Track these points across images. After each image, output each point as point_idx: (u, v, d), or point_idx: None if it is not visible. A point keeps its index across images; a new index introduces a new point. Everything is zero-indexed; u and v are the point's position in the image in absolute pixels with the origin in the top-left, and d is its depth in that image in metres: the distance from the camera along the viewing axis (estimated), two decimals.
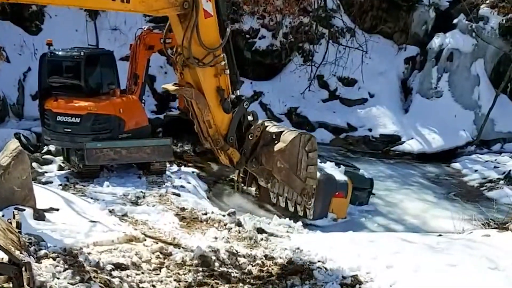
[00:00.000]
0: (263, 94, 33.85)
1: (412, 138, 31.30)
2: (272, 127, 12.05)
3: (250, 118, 11.80)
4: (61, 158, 22.94)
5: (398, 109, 33.48)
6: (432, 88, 33.09)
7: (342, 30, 36.11)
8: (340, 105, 34.00)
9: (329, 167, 20.62)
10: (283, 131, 11.96)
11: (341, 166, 21.31)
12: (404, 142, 31.37)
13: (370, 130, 32.52)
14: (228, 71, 11.09)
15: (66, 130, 21.45)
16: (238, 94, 11.58)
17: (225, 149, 11.53)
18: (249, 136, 11.59)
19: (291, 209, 12.54)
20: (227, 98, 11.16)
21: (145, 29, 22.84)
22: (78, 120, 21.37)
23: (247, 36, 34.81)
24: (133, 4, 9.55)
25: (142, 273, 11.08)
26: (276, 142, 11.72)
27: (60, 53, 22.17)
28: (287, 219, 17.24)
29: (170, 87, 11.40)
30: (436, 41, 34.07)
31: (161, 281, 10.84)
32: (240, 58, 34.27)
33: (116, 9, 10.46)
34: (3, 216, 10.53)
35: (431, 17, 35.91)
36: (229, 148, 11.51)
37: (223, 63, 10.89)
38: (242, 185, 19.34)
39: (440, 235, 15.75)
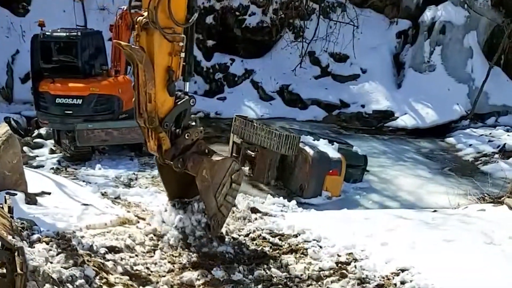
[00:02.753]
0: (254, 72, 33.84)
1: (405, 114, 31.38)
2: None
3: (192, 122, 11.58)
4: (52, 141, 22.89)
5: (391, 84, 33.49)
6: (425, 62, 33.12)
7: (333, 5, 36.04)
8: (332, 82, 34.01)
9: (322, 145, 20.61)
10: (216, 152, 11.82)
11: (334, 143, 21.31)
12: (398, 117, 31.44)
13: (363, 106, 32.54)
14: (183, 55, 10.88)
15: (66, 112, 21.35)
16: (187, 88, 11.55)
17: (158, 131, 11.20)
18: (185, 135, 11.37)
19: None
20: (174, 82, 10.95)
21: (124, 9, 22.59)
22: (80, 101, 21.32)
23: (237, 13, 34.76)
24: None
25: (136, 255, 11.08)
26: (209, 155, 11.58)
27: (54, 34, 22.04)
28: (281, 198, 17.33)
29: (123, 44, 11.25)
30: (428, 14, 34.07)
31: (155, 263, 10.84)
32: (231, 36, 34.44)
33: None
34: None
35: None
36: (162, 132, 11.20)
37: (181, 44, 10.69)
38: None
39: (435, 210, 15.80)
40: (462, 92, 32.09)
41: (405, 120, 31.07)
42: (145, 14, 10.46)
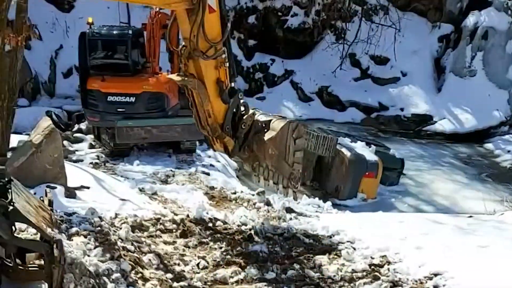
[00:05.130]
0: (294, 73, 33.90)
1: (444, 118, 31.19)
2: (260, 116, 12.79)
3: (242, 108, 12.51)
4: (92, 136, 23.13)
5: (430, 88, 33.28)
6: (466, 67, 32.88)
7: (376, 7, 35.95)
8: (372, 84, 33.96)
9: (360, 147, 20.61)
10: (272, 119, 12.66)
11: (372, 145, 21.31)
12: (436, 122, 31.26)
13: (402, 109, 32.41)
14: (227, 64, 11.77)
15: (119, 110, 21.50)
16: (233, 85, 12.22)
17: (221, 137, 12.31)
18: (242, 126, 12.34)
19: (279, 192, 13.27)
20: (226, 90, 11.89)
21: (156, 9, 22.55)
22: (133, 99, 21.48)
23: (279, 14, 34.84)
24: None
25: (171, 251, 11.26)
26: (266, 130, 12.45)
27: (103, 32, 22.22)
28: (316, 198, 17.36)
29: (175, 77, 12.17)
30: (470, 19, 33.82)
31: (191, 260, 11.01)
32: (272, 36, 34.53)
33: (133, 2, 11.31)
34: (35, 193, 10.68)
35: None
36: (226, 136, 12.27)
37: (223, 56, 11.58)
38: None
39: (470, 216, 15.71)
40: (502, 98, 31.84)
41: (443, 125, 30.89)
42: (186, 45, 11.35)
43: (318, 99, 33.13)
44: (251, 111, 12.67)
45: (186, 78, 11.68)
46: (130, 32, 22.09)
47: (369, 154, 20.28)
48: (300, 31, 34.91)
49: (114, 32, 22.29)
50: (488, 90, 31.95)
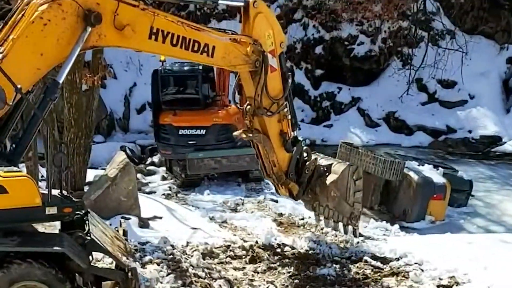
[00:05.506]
0: (361, 100, 33.97)
1: None
2: (322, 160, 13.51)
3: (305, 155, 13.09)
4: (164, 168, 23.66)
5: (499, 110, 32.92)
6: None
7: (442, 32, 35.78)
8: (439, 108, 33.73)
9: (427, 170, 20.54)
10: (333, 163, 13.35)
11: (439, 168, 21.19)
12: (505, 142, 30.81)
13: (470, 131, 32.07)
14: (289, 116, 12.44)
15: (190, 142, 22.06)
16: (295, 134, 12.83)
17: (286, 184, 12.92)
18: (305, 171, 12.94)
19: (340, 230, 13.64)
20: (288, 140, 12.52)
21: None
22: (203, 132, 22.05)
23: (346, 43, 35.00)
24: (216, 60, 10.81)
25: (241, 277, 11.54)
26: (327, 174, 13.08)
27: (175, 68, 22.87)
28: (384, 222, 17.42)
29: (242, 134, 12.78)
30: None
31: (260, 285, 11.26)
32: (339, 65, 34.75)
33: (202, 62, 11.93)
34: (110, 224, 11.13)
35: None
36: (290, 182, 12.87)
37: (285, 109, 12.27)
38: None
39: None
40: None
41: None
42: (251, 103, 12.01)
43: (385, 125, 33.12)
44: (313, 157, 13.24)
45: (251, 134, 12.36)
46: (200, 67, 22.62)
47: (437, 176, 20.18)
48: (367, 59, 35.04)
49: (185, 68, 22.87)
50: None
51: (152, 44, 9.73)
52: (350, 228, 13.33)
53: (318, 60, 34.87)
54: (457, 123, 32.54)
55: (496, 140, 31.18)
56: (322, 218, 13.61)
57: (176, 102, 22.77)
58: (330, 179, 12.96)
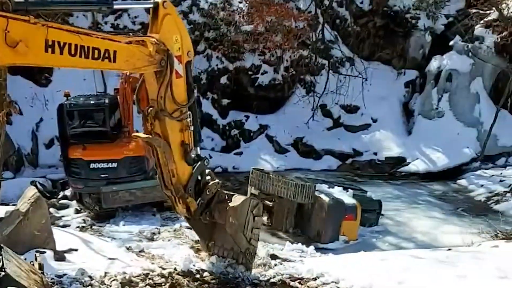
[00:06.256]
0: (268, 127, 34.01)
1: (417, 159, 31.25)
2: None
3: (208, 177, 12.87)
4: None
5: (401, 132, 33.54)
6: (434, 109, 33.14)
7: (342, 60, 36.33)
8: (344, 132, 34.13)
9: (337, 192, 20.80)
10: (235, 195, 13.21)
11: (349, 190, 21.48)
12: (410, 163, 31.29)
13: (375, 153, 32.54)
14: (192, 128, 12.08)
15: (102, 176, 21.65)
16: (199, 152, 12.66)
17: (184, 197, 12.50)
18: (207, 191, 12.67)
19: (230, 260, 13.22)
20: (190, 152, 12.21)
21: (127, 73, 22.57)
22: (115, 165, 21.67)
23: (250, 72, 35.08)
24: (119, 64, 10.55)
25: None
26: (228, 202, 12.83)
27: (80, 102, 22.47)
28: (299, 244, 17.45)
29: (142, 135, 12.46)
30: (434, 64, 34.20)
31: None
32: (244, 94, 34.82)
33: (106, 68, 11.59)
34: (25, 259, 10.73)
35: (427, 41, 36.12)
36: (188, 197, 12.47)
37: (188, 119, 11.96)
38: None
39: (449, 249, 15.86)
40: (472, 135, 32.01)
41: (417, 165, 31.01)
42: (153, 105, 11.65)
43: (294, 150, 33.18)
44: (216, 181, 13.04)
45: (152, 137, 11.91)
46: (107, 100, 22.33)
47: (347, 198, 20.43)
48: (271, 87, 35.15)
49: (91, 101, 22.59)
50: (457, 129, 32.12)
51: (49, 57, 9.46)
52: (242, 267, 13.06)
53: (224, 90, 34.82)
54: (362, 146, 32.97)
55: (400, 161, 31.68)
56: (217, 257, 13.29)
57: (84, 135, 22.43)
58: (230, 204, 12.75)
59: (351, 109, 34.82)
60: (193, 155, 12.40)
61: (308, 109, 34.54)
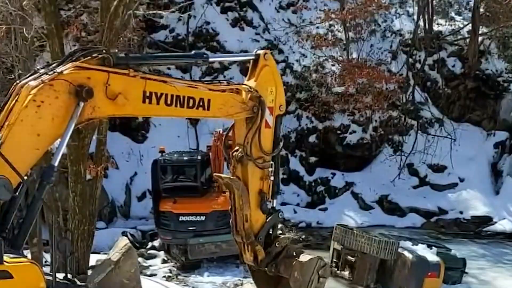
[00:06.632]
0: (354, 184, 33.99)
1: (504, 219, 30.74)
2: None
3: (279, 231, 12.58)
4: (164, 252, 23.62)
5: (489, 191, 33.02)
6: None
7: (431, 120, 36.21)
8: (430, 191, 33.81)
9: (421, 249, 20.48)
10: (304, 252, 12.73)
11: (433, 247, 21.14)
12: (496, 222, 30.81)
13: (461, 212, 32.11)
14: (272, 178, 11.88)
15: (190, 228, 22.12)
16: (275, 204, 12.33)
17: (254, 245, 12.18)
18: (276, 244, 12.28)
19: None
20: (266, 201, 11.94)
21: (220, 131, 23.13)
22: (203, 218, 22.13)
23: (338, 131, 35.26)
24: (213, 112, 10.55)
25: None
26: (296, 257, 12.38)
27: (174, 158, 23.15)
28: None
29: (223, 175, 12.43)
30: None
31: None
32: (332, 152, 34.95)
33: (200, 116, 11.63)
34: None
35: None
36: (258, 245, 12.16)
37: (270, 169, 11.76)
38: (336, 269, 19.58)
39: None
40: None
41: (503, 225, 30.38)
42: (239, 149, 11.49)
43: (378, 207, 33.06)
44: (288, 235, 13.10)
45: (232, 178, 11.81)
46: (199, 157, 22.87)
47: (431, 255, 20.09)
48: (359, 146, 35.25)
49: (184, 157, 23.21)
50: None
51: (146, 108, 9.65)
52: None
53: (312, 148, 35.15)
54: (448, 205, 32.60)
55: (487, 220, 31.17)
56: None
57: (175, 189, 23.00)
58: (297, 260, 12.31)
59: (438, 169, 34.48)
60: (269, 206, 12.29)
61: (395, 167, 34.44)
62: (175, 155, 23.93)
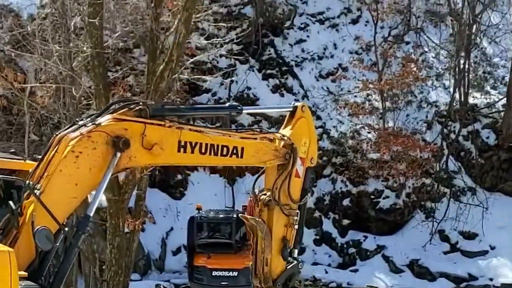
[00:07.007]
0: (385, 248, 33.94)
1: None
2: None
3: (298, 283, 12.23)
4: None
5: None
6: None
7: (463, 189, 36.14)
8: (461, 257, 33.61)
9: None
10: None
11: None
12: None
13: (491, 279, 31.80)
14: (296, 227, 11.76)
15: (222, 283, 22.37)
16: (296, 254, 12.14)
17: None
18: None
19: None
20: (288, 248, 11.79)
21: (256, 192, 23.24)
22: (235, 274, 22.39)
23: (372, 196, 35.37)
24: (246, 159, 10.61)
25: None
26: None
27: (210, 215, 23.51)
28: None
29: (248, 216, 11.96)
30: None
31: None
32: (365, 216, 35.00)
33: (233, 164, 11.53)
34: None
35: None
36: None
37: (295, 218, 11.64)
38: None
39: None
40: None
41: None
42: (268, 193, 11.43)
43: (409, 271, 32.81)
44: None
45: (258, 220, 11.67)
46: (234, 215, 23.24)
47: None
48: (391, 211, 35.23)
49: (220, 215, 23.66)
50: None
51: (181, 157, 9.68)
52: None
53: (346, 211, 35.28)
54: (478, 272, 32.33)
55: None
56: None
57: (210, 246, 23.33)
58: None
59: (470, 236, 34.30)
60: (292, 255, 11.94)
61: (426, 233, 34.29)
62: (212, 212, 24.30)
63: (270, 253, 11.66)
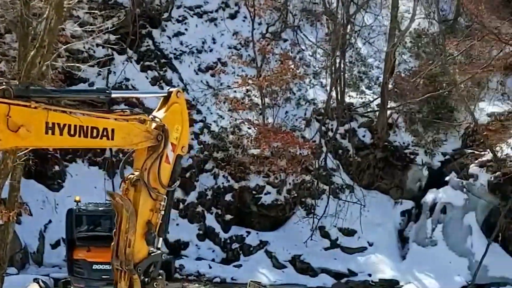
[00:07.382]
0: (268, 243, 33.97)
1: (410, 283, 31.18)
2: None
3: (159, 277, 11.84)
4: None
5: (396, 256, 33.51)
6: (427, 238, 33.22)
7: (342, 186, 36.66)
8: (341, 253, 34.09)
9: None
10: None
11: None
12: (402, 286, 31.24)
13: (369, 275, 32.38)
14: (162, 213, 11.28)
15: (103, 277, 21.60)
16: (160, 244, 11.75)
17: (131, 273, 11.41)
18: (154, 284, 11.66)
19: None
20: (152, 234, 11.36)
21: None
22: None
23: (253, 192, 35.29)
24: (117, 141, 10.21)
25: None
26: None
27: (89, 208, 22.85)
28: None
29: (115, 194, 11.47)
30: (429, 196, 34.61)
31: None
32: (247, 211, 34.88)
33: (104, 146, 11.12)
34: None
35: (424, 175, 36.63)
36: (135, 274, 11.41)
37: (162, 203, 11.20)
38: None
39: None
40: (463, 265, 31.79)
41: None
42: (136, 173, 10.85)
43: (291, 266, 32.99)
44: (166, 282, 12.13)
45: (125, 198, 10.97)
46: (112, 209, 22.51)
47: None
48: (273, 207, 35.23)
49: (100, 208, 22.95)
50: (449, 257, 32.03)
51: (50, 139, 9.26)
52: None
53: (228, 207, 35.02)
54: (357, 267, 32.87)
55: (393, 283, 31.58)
56: None
57: (89, 239, 22.76)
58: None
59: (349, 232, 34.87)
60: (156, 244, 11.48)
61: (307, 229, 34.55)
62: (91, 205, 23.66)
63: (133, 234, 11.09)
